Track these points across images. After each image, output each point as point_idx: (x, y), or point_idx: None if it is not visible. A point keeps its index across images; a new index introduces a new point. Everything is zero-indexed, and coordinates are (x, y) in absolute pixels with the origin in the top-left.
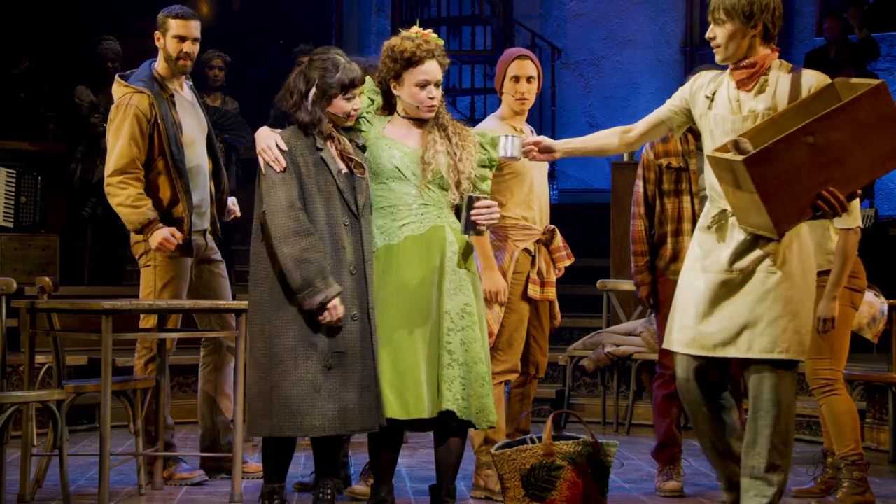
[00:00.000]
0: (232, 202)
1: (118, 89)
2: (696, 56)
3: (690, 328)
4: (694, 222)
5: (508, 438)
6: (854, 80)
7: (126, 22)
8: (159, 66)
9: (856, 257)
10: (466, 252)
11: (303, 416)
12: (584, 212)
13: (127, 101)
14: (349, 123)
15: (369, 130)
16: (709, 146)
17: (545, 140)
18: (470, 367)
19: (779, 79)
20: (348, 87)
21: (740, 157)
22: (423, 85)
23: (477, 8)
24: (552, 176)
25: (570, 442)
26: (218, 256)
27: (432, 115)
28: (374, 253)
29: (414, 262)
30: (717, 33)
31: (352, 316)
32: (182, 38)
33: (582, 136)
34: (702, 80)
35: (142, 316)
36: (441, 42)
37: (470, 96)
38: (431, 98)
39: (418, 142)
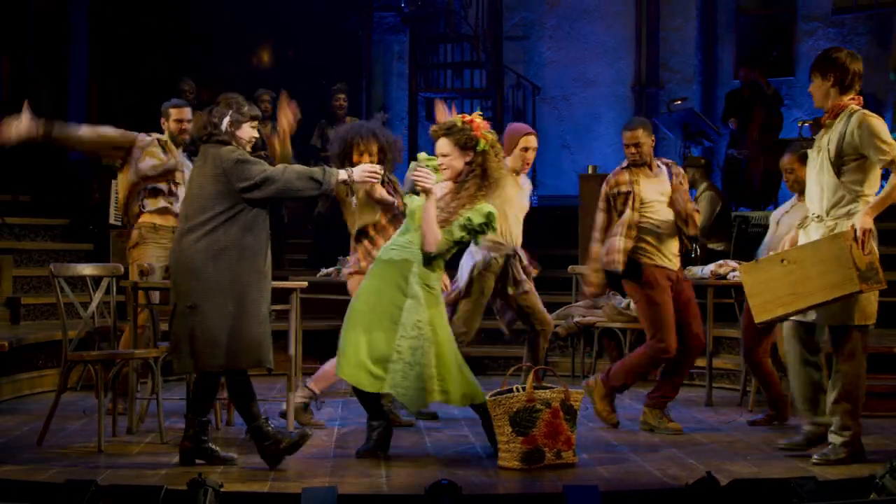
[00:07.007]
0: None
1: None
2: (644, 94)
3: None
4: (632, 227)
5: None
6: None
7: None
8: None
9: None
10: (426, 281)
11: (268, 350)
12: (558, 213)
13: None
14: (248, 149)
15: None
16: None
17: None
18: (411, 367)
19: None
20: (256, 118)
21: None
22: None
23: (475, 55)
24: (534, 183)
25: (546, 391)
26: None
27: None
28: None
29: (387, 280)
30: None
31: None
32: (180, 121)
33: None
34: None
35: None
36: (455, 120)
37: None
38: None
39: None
